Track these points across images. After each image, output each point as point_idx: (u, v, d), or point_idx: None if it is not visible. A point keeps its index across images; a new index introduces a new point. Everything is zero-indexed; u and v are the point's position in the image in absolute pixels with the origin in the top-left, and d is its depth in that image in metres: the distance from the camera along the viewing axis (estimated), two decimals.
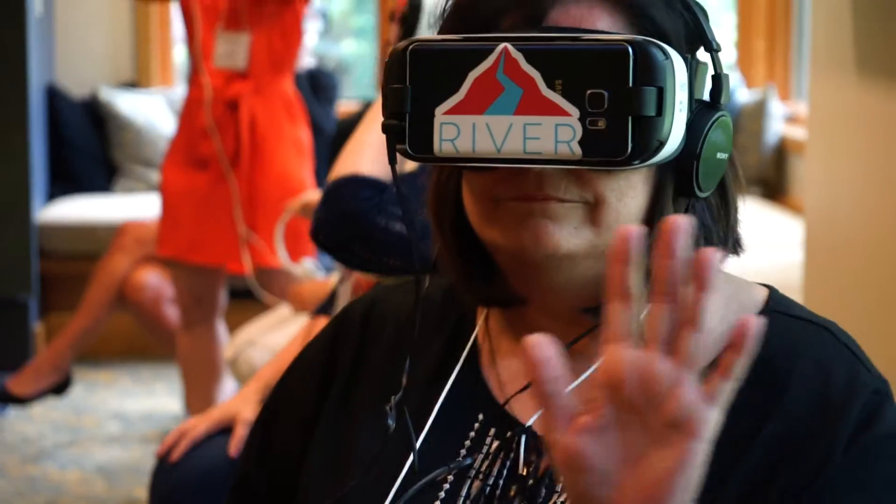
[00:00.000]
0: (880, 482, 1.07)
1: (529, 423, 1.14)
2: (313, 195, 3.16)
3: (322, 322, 2.46)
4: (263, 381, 2.40)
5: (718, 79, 1.13)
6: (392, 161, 1.11)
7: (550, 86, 1.04)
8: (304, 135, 4.08)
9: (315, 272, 3.51)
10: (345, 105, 5.95)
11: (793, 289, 2.91)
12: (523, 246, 1.09)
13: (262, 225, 3.89)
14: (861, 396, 1.09)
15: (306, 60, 5.35)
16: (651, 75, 1.02)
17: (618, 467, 0.87)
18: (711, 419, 0.85)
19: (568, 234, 1.08)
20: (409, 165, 2.23)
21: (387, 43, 2.60)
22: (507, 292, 1.16)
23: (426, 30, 2.32)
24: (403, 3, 2.47)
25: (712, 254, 0.85)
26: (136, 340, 5.34)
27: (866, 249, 2.59)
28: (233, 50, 3.94)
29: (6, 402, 4.51)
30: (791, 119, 5.62)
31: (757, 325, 0.84)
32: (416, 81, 1.08)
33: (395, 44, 1.13)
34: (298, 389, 1.30)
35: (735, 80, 5.75)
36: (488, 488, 1.14)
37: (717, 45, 1.12)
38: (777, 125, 5.61)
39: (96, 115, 6.00)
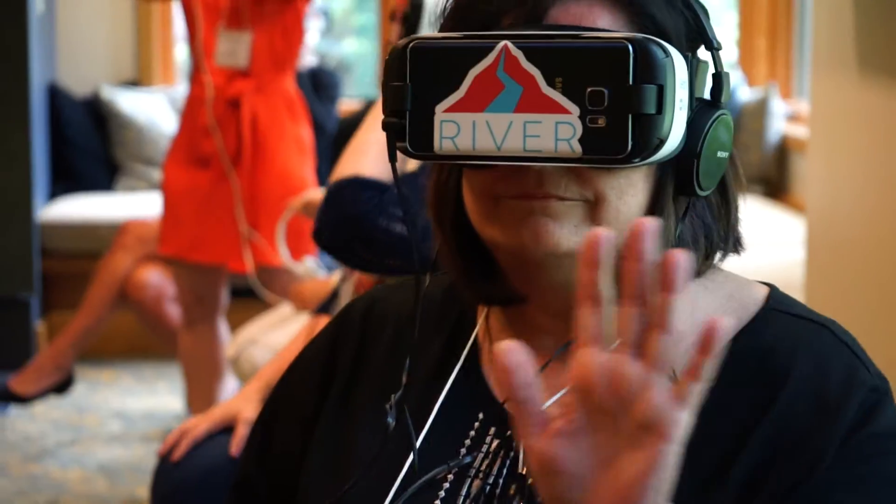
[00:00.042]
0: (876, 479, 1.07)
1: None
2: (315, 194, 3.16)
3: (323, 321, 2.46)
4: (265, 379, 2.40)
5: (719, 77, 1.13)
6: (392, 159, 1.11)
7: (551, 84, 1.04)
8: (306, 133, 4.08)
9: (316, 271, 3.51)
10: (346, 103, 5.95)
11: (794, 287, 2.91)
12: (523, 244, 1.09)
13: (264, 223, 3.89)
14: (858, 394, 1.09)
15: (308, 59, 5.35)
16: (651, 73, 1.02)
17: (591, 470, 0.87)
18: (682, 421, 0.85)
19: (568, 233, 1.08)
20: (411, 165, 2.24)
21: (388, 42, 2.60)
22: (508, 291, 1.16)
23: (427, 29, 2.33)
24: (404, 2, 2.47)
25: (679, 256, 0.85)
26: (138, 339, 5.35)
27: (868, 248, 2.59)
28: (234, 48, 3.94)
29: (8, 401, 4.51)
30: (792, 117, 5.62)
31: (724, 326, 0.84)
32: (417, 79, 1.08)
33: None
34: (299, 389, 1.30)
35: (736, 79, 5.75)
36: (488, 487, 1.14)
37: (718, 43, 1.12)
38: (778, 123, 5.60)
39: (98, 114, 6.00)
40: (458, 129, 1.06)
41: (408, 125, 1.08)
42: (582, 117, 1.03)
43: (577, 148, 1.04)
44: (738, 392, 1.11)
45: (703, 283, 1.17)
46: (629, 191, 1.09)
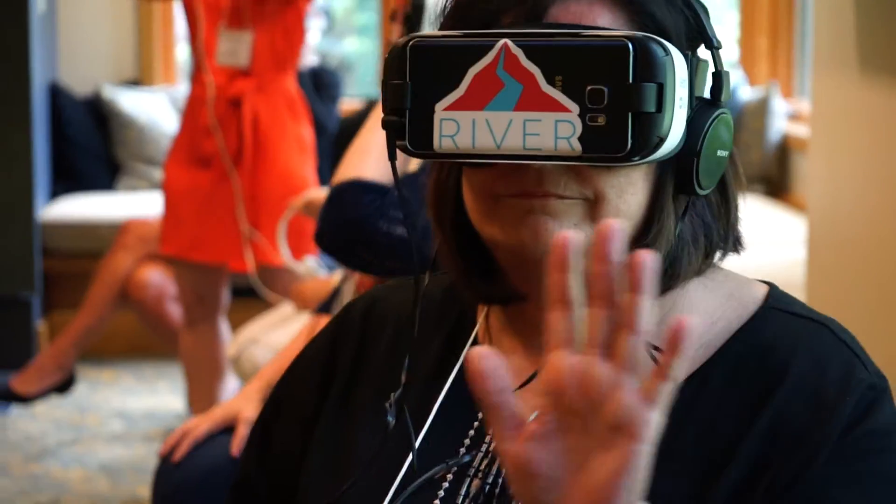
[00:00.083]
0: (872, 476, 1.07)
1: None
2: (316, 193, 3.16)
3: (324, 321, 2.47)
4: (265, 379, 2.40)
5: (719, 76, 1.12)
6: (392, 157, 1.11)
7: (550, 82, 1.04)
8: (307, 133, 4.08)
9: (318, 270, 3.51)
10: (347, 103, 5.95)
11: (796, 286, 2.91)
12: (523, 243, 1.09)
13: (265, 223, 3.89)
14: (856, 392, 1.09)
15: (309, 58, 5.35)
16: (651, 71, 1.02)
17: (564, 472, 0.87)
18: (652, 421, 0.85)
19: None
20: (413, 165, 2.24)
21: (389, 42, 2.61)
22: (507, 289, 1.16)
23: (429, 29, 2.33)
24: (404, 3, 2.47)
25: (646, 257, 0.85)
26: (139, 339, 5.35)
27: (869, 247, 2.58)
28: (235, 48, 3.95)
29: (10, 401, 4.51)
30: (794, 117, 5.62)
31: (691, 325, 0.84)
32: (416, 77, 1.07)
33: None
34: (299, 389, 1.29)
35: (738, 78, 5.75)
36: (487, 486, 1.14)
37: (718, 42, 1.12)
38: (780, 123, 5.60)
39: (99, 113, 6.00)
40: (457, 128, 1.06)
41: (407, 123, 1.08)
42: (582, 115, 1.03)
43: (577, 146, 1.04)
44: (736, 390, 1.11)
45: (703, 281, 1.17)
46: (629, 189, 1.09)
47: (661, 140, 1.04)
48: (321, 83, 5.48)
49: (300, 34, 4.02)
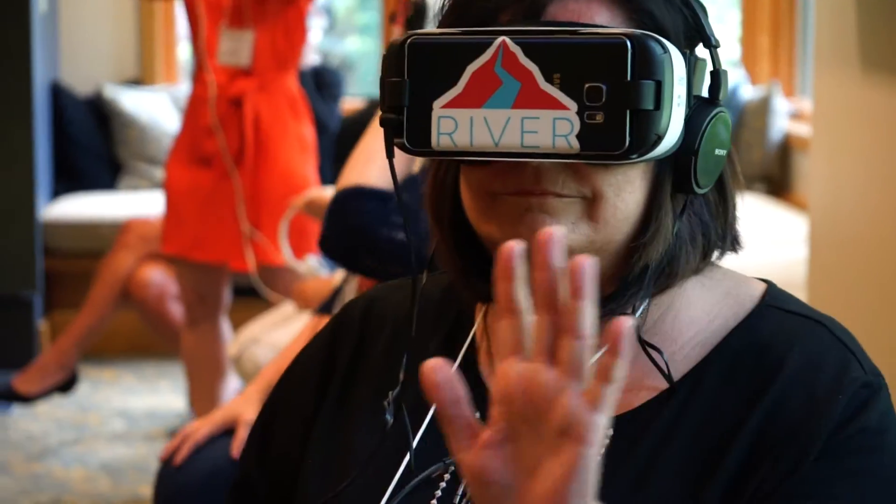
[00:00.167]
0: (863, 474, 1.07)
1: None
2: (317, 192, 3.17)
3: (325, 321, 2.48)
4: (266, 381, 2.40)
5: (717, 75, 1.12)
6: (389, 155, 1.11)
7: (548, 79, 1.04)
8: (309, 132, 4.08)
9: (319, 269, 3.51)
10: (349, 102, 5.95)
11: (797, 285, 2.90)
12: (521, 241, 1.08)
13: (267, 222, 3.89)
14: (849, 390, 1.09)
15: (311, 57, 5.35)
16: (649, 69, 1.02)
17: (518, 478, 0.89)
18: (598, 424, 0.86)
19: (565, 230, 1.08)
20: (417, 167, 2.24)
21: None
22: None
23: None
24: (403, 4, 2.47)
25: (585, 261, 0.86)
26: (141, 338, 5.35)
27: (870, 246, 2.58)
28: (237, 47, 3.94)
29: (12, 401, 4.51)
30: (795, 115, 5.62)
31: (628, 326, 0.85)
32: (414, 75, 1.07)
33: None
34: (298, 389, 1.29)
35: (739, 77, 5.74)
36: None
37: (716, 41, 1.12)
38: (781, 122, 5.60)
39: (100, 113, 6.00)
40: (455, 125, 1.06)
41: (405, 121, 1.08)
42: (580, 113, 1.03)
43: (575, 144, 1.04)
44: (732, 387, 1.12)
45: (701, 280, 1.17)
46: (627, 188, 1.09)
47: (659, 138, 1.04)
48: (323, 82, 5.48)
49: (301, 33, 4.01)
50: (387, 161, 1.13)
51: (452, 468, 1.15)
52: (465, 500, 1.14)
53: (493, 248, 1.14)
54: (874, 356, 1.15)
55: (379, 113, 1.11)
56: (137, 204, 5.55)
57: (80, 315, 4.51)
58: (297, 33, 3.99)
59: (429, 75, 1.07)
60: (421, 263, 1.18)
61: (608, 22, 1.09)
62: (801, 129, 5.34)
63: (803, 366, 1.11)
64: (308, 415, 1.26)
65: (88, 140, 5.94)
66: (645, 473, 1.09)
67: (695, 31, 1.12)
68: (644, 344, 1.13)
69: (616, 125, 1.03)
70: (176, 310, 4.51)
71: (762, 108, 5.59)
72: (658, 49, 1.03)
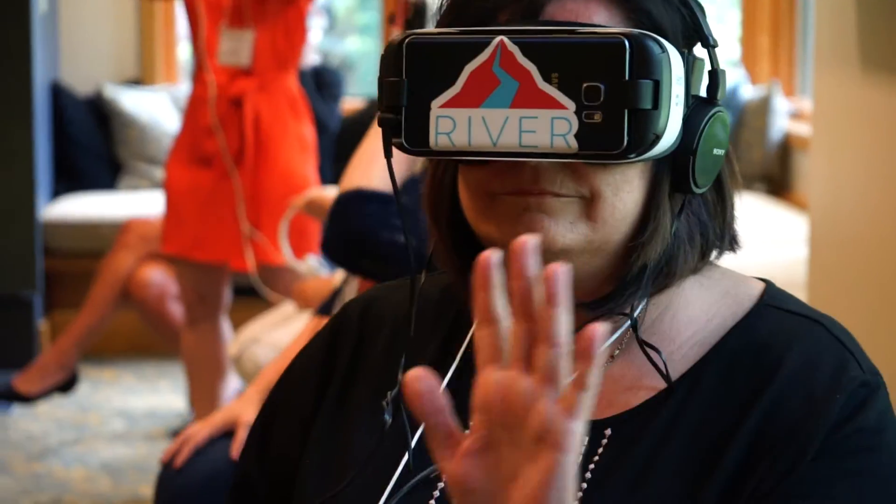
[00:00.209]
0: (861, 474, 1.07)
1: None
2: (318, 192, 3.17)
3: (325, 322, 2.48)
4: (266, 381, 2.40)
5: (715, 74, 1.12)
6: (387, 155, 1.11)
7: (547, 79, 1.04)
8: (309, 132, 4.08)
9: (319, 269, 3.50)
10: (349, 102, 5.95)
11: (797, 285, 2.90)
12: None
13: (267, 222, 3.89)
14: (847, 389, 1.09)
15: (311, 57, 5.35)
16: (647, 68, 1.02)
17: (499, 486, 0.89)
18: (574, 431, 0.86)
19: (564, 230, 1.08)
20: (420, 167, 2.25)
21: None
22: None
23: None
24: (403, 5, 2.47)
25: (559, 269, 0.86)
26: (141, 338, 5.35)
27: (871, 245, 2.58)
28: (237, 47, 3.94)
29: (12, 401, 4.51)
30: (795, 115, 5.62)
31: (600, 332, 0.85)
32: (413, 75, 1.07)
33: None
34: (297, 389, 1.29)
35: (740, 77, 5.74)
36: None
37: (714, 40, 1.12)
38: (781, 121, 5.60)
39: (100, 113, 6.00)
40: (453, 125, 1.06)
41: (403, 121, 1.08)
42: (578, 113, 1.03)
43: (573, 143, 1.04)
44: (731, 387, 1.11)
45: (699, 279, 1.17)
46: (625, 187, 1.09)
47: (657, 137, 1.04)
48: (323, 82, 5.48)
49: (302, 33, 4.01)
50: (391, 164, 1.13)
51: None
52: None
53: (492, 247, 1.14)
54: (874, 356, 1.15)
55: (379, 114, 1.11)
56: (137, 204, 5.55)
57: (80, 315, 4.51)
58: (297, 33, 3.99)
59: (427, 75, 1.07)
60: (421, 264, 1.18)
61: (606, 21, 1.09)
62: (802, 129, 5.34)
63: (801, 365, 1.11)
64: (307, 415, 1.26)
65: (88, 140, 5.94)
66: (643, 473, 1.09)
67: (693, 31, 1.11)
68: (642, 344, 1.13)
69: (614, 125, 1.03)
70: (176, 310, 4.51)
71: (762, 107, 5.59)
72: (656, 48, 1.03)
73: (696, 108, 1.10)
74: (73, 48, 6.11)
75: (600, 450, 1.12)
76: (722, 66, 1.13)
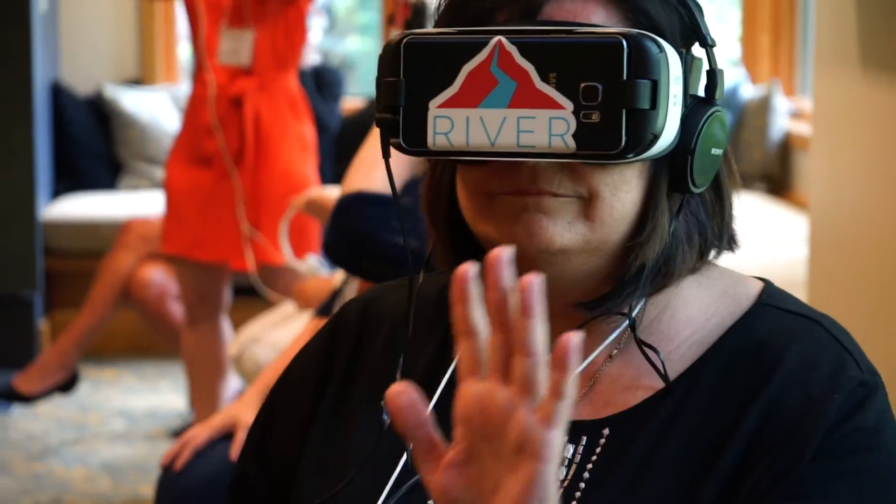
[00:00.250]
0: (859, 474, 1.07)
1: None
2: (318, 192, 3.17)
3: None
4: (265, 383, 2.41)
5: (713, 74, 1.12)
6: (385, 155, 1.10)
7: (544, 79, 1.04)
8: (309, 131, 4.08)
9: (319, 269, 3.50)
10: (349, 102, 5.95)
11: (797, 285, 2.90)
12: (517, 241, 1.08)
13: (267, 222, 3.89)
14: (845, 390, 1.09)
15: (311, 57, 5.34)
16: (645, 68, 1.02)
17: (481, 497, 0.90)
18: (553, 440, 0.87)
19: (562, 229, 1.08)
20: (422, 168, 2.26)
21: None
22: None
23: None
24: (402, 6, 2.47)
25: (533, 280, 0.87)
26: (141, 338, 5.35)
27: (871, 245, 2.58)
28: (237, 47, 3.94)
29: (13, 401, 4.51)
30: (796, 115, 5.62)
31: (575, 342, 0.86)
32: (410, 75, 1.07)
33: None
34: (296, 389, 1.29)
35: (740, 76, 5.74)
36: None
37: (712, 40, 1.12)
38: (782, 121, 5.60)
39: (101, 113, 6.00)
40: (451, 125, 1.06)
41: (401, 121, 1.08)
42: (576, 112, 1.03)
43: (571, 143, 1.04)
44: (729, 387, 1.11)
45: (698, 279, 1.17)
46: (623, 187, 1.09)
47: (655, 137, 1.04)
48: (323, 82, 5.48)
49: (302, 33, 4.01)
50: (392, 165, 1.12)
51: None
52: None
53: (490, 247, 1.13)
54: (874, 355, 1.15)
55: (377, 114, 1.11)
56: (138, 204, 5.55)
57: (80, 315, 4.51)
58: (297, 33, 3.99)
59: (425, 75, 1.07)
60: (421, 265, 1.18)
61: (604, 21, 1.09)
62: (802, 128, 5.33)
63: (800, 365, 1.10)
64: (306, 415, 1.26)
65: (89, 140, 5.94)
66: (641, 473, 1.09)
67: (691, 31, 1.12)
68: (640, 343, 1.13)
69: (612, 125, 1.03)
70: (176, 309, 4.51)
71: (762, 107, 5.59)
72: (654, 48, 1.03)
73: (695, 108, 1.10)
74: (73, 48, 6.11)
75: (598, 449, 1.12)
76: (721, 65, 1.13)
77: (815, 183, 2.91)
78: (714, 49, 1.12)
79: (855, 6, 2.61)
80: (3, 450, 4.46)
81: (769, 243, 4.26)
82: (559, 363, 0.86)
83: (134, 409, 4.89)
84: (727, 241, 1.17)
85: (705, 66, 1.13)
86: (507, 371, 0.88)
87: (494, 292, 0.88)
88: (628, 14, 1.09)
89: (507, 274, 0.88)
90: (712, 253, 1.16)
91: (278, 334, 3.42)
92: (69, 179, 5.88)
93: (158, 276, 4.52)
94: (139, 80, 6.21)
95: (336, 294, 2.73)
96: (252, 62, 3.95)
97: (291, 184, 3.90)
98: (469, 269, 0.89)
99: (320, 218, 3.15)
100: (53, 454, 4.42)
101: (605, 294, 1.12)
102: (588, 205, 1.08)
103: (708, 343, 1.14)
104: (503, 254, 0.88)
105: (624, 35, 1.03)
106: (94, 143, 5.96)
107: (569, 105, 1.03)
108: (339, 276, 3.04)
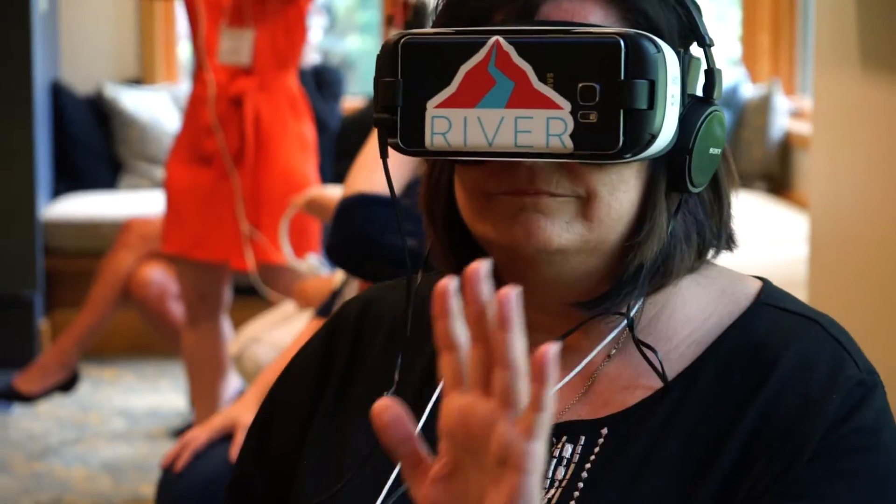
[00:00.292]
0: (857, 474, 1.07)
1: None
2: (318, 191, 3.17)
3: None
4: (264, 384, 2.41)
5: (711, 73, 1.12)
6: (383, 155, 1.10)
7: (542, 79, 1.04)
8: (309, 131, 4.08)
9: (319, 268, 3.50)
10: (349, 101, 5.95)
11: (798, 284, 2.90)
12: (515, 241, 1.09)
13: (267, 221, 3.89)
14: (843, 388, 1.09)
15: (311, 56, 5.34)
16: (643, 68, 1.02)
17: None
18: (534, 452, 0.87)
19: (560, 229, 1.08)
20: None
21: None
22: (500, 287, 1.16)
23: None
24: (400, 6, 2.47)
25: (509, 293, 0.87)
26: (141, 337, 5.35)
27: (871, 244, 2.58)
28: (237, 46, 3.94)
29: (13, 400, 4.51)
30: (796, 114, 5.62)
31: (552, 353, 0.86)
32: (408, 75, 1.07)
33: None
34: (295, 389, 1.29)
35: (740, 75, 5.74)
36: None
37: (710, 39, 1.12)
38: (782, 120, 5.60)
39: (101, 112, 6.00)
40: (449, 125, 1.06)
41: (399, 121, 1.08)
42: (573, 113, 1.03)
43: (569, 143, 1.04)
44: (727, 386, 1.11)
45: (696, 278, 1.16)
46: (621, 187, 1.09)
47: (653, 137, 1.04)
48: (323, 81, 5.48)
49: (302, 32, 4.01)
50: (391, 165, 1.12)
51: None
52: None
53: (489, 247, 1.14)
54: (874, 354, 1.15)
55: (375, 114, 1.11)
56: (138, 203, 5.55)
57: (80, 314, 4.51)
58: (297, 32, 3.99)
59: (422, 75, 1.07)
60: (415, 262, 1.18)
61: (602, 21, 1.09)
62: (802, 128, 5.33)
63: (798, 364, 1.10)
64: (305, 415, 1.26)
65: (89, 139, 5.94)
66: (639, 472, 1.09)
67: (689, 30, 1.11)
68: (638, 343, 1.13)
69: (610, 125, 1.03)
70: (176, 309, 4.51)
71: (763, 106, 5.58)
72: (651, 48, 1.03)
73: (693, 108, 1.10)
74: (73, 48, 6.11)
75: (597, 449, 1.12)
76: (719, 65, 1.13)
77: (816, 182, 2.91)
78: (712, 49, 1.12)
79: (855, 5, 2.61)
80: (3, 449, 4.46)
81: (769, 242, 4.25)
82: (537, 375, 0.86)
83: (134, 409, 4.89)
84: (725, 240, 1.16)
85: (703, 66, 1.12)
86: (489, 384, 0.88)
87: (473, 306, 0.89)
88: (626, 14, 1.09)
89: (484, 288, 0.88)
90: (711, 252, 1.16)
91: (278, 334, 3.42)
92: (69, 179, 5.88)
93: (159, 276, 4.52)
94: (139, 79, 6.21)
95: (336, 294, 2.73)
96: (252, 62, 3.95)
97: (292, 183, 3.90)
98: (449, 283, 0.89)
99: (321, 217, 3.15)
100: (54, 454, 4.42)
101: (604, 294, 1.12)
102: (586, 205, 1.08)
103: (706, 342, 1.14)
104: (480, 268, 0.88)
105: (621, 35, 1.03)
106: (94, 143, 5.96)
107: (566, 105, 1.03)
108: (339, 275, 3.04)
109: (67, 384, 4.52)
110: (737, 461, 1.08)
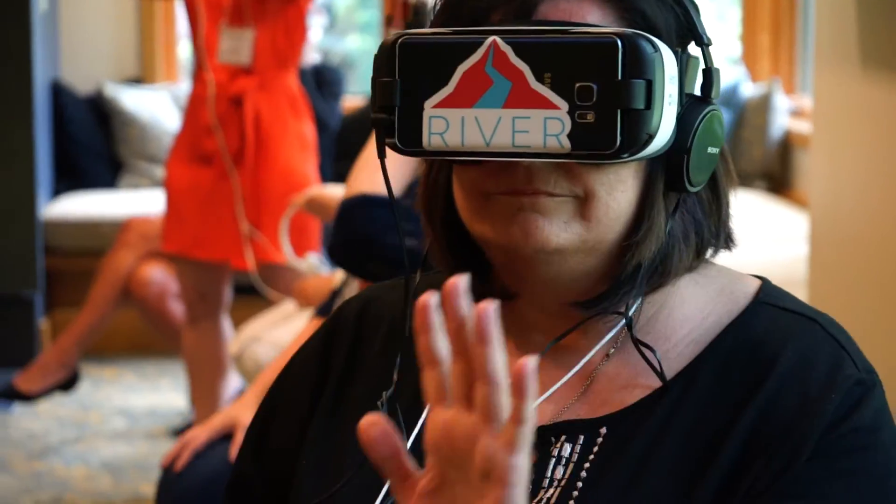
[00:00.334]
0: (856, 473, 1.07)
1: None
2: (318, 190, 3.17)
3: None
4: (264, 384, 2.41)
5: (709, 73, 1.12)
6: (381, 155, 1.11)
7: (539, 79, 1.04)
8: (309, 130, 4.08)
9: (319, 268, 3.51)
10: (350, 100, 5.95)
11: (798, 283, 2.90)
12: (513, 241, 1.09)
13: (267, 221, 3.89)
14: (842, 388, 1.09)
15: (311, 56, 5.34)
16: (640, 68, 1.02)
17: None
18: (517, 465, 0.87)
19: (558, 229, 1.08)
20: None
21: None
22: (498, 287, 1.16)
23: None
24: (400, 7, 2.47)
25: (487, 308, 0.87)
26: (141, 336, 5.35)
27: (871, 243, 2.58)
28: (237, 46, 3.94)
29: (14, 399, 4.51)
30: (796, 113, 5.62)
31: (530, 367, 0.86)
32: (406, 75, 1.07)
33: None
34: (295, 388, 1.29)
35: (740, 75, 5.74)
36: None
37: (708, 39, 1.12)
38: (782, 119, 5.60)
39: (101, 111, 6.00)
40: (446, 125, 1.06)
41: (397, 121, 1.08)
42: (571, 112, 1.03)
43: (566, 143, 1.03)
44: (726, 385, 1.11)
45: (695, 277, 1.16)
46: (619, 187, 1.09)
47: (651, 137, 1.04)
48: (323, 80, 5.48)
49: (302, 32, 4.01)
50: (392, 166, 1.13)
51: None
52: None
53: (487, 247, 1.14)
54: (874, 354, 1.15)
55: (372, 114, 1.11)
56: (138, 202, 5.55)
57: (81, 313, 4.51)
58: (297, 32, 3.99)
59: (420, 75, 1.07)
60: (413, 262, 1.18)
61: (599, 21, 1.08)
62: (802, 127, 5.33)
63: (796, 363, 1.10)
64: (304, 414, 1.26)
65: (89, 139, 5.94)
66: (638, 472, 1.09)
67: (687, 30, 1.11)
68: (637, 342, 1.13)
69: (607, 124, 1.03)
70: (177, 308, 4.51)
71: (763, 105, 5.58)
72: (649, 48, 1.03)
73: (690, 107, 1.10)
74: (73, 47, 6.11)
75: (595, 448, 1.12)
76: (719, 64, 1.13)
77: (816, 181, 2.91)
78: (710, 48, 1.12)
79: (855, 5, 2.61)
80: (3, 448, 4.46)
81: (769, 242, 4.25)
82: (517, 389, 0.86)
83: (134, 408, 4.89)
84: (724, 239, 1.16)
85: (702, 65, 1.12)
86: (471, 398, 0.89)
87: (452, 321, 0.89)
88: (623, 14, 1.09)
89: (464, 302, 0.89)
90: (709, 251, 1.16)
91: (279, 333, 3.42)
92: (69, 178, 5.88)
93: (159, 275, 4.52)
94: (139, 78, 6.21)
95: (336, 293, 2.73)
96: (252, 61, 3.95)
97: (292, 182, 3.90)
98: (430, 298, 0.90)
99: (321, 216, 3.15)
100: (54, 453, 4.42)
101: (602, 293, 1.12)
102: (584, 204, 1.08)
103: (705, 341, 1.14)
104: (459, 282, 0.89)
105: (619, 35, 1.03)
106: (94, 142, 5.96)
107: (564, 105, 1.03)
108: (339, 275, 3.04)
109: (68, 383, 4.52)
110: (736, 460, 1.08)
